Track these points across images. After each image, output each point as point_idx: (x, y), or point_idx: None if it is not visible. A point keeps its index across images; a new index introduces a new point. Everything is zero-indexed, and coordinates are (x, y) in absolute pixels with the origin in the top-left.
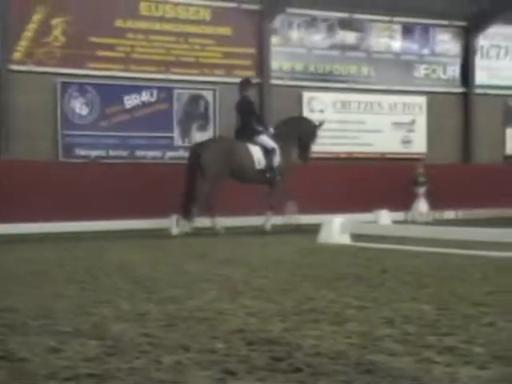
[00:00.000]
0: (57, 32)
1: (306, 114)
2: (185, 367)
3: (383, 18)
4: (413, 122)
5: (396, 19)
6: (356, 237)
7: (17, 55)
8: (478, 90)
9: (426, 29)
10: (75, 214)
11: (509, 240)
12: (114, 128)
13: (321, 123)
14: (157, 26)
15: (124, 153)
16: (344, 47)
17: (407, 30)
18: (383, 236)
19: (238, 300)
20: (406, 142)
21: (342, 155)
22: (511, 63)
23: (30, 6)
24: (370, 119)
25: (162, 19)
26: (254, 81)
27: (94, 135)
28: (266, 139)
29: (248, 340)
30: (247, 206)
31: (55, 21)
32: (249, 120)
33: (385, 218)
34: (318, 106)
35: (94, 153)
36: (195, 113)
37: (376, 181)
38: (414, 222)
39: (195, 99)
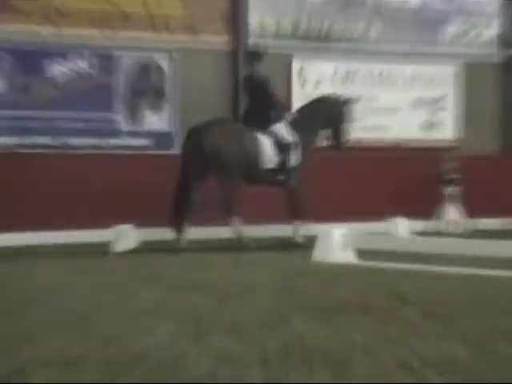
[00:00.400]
0: None
1: (296, 87)
2: None
3: None
4: (440, 99)
5: None
6: (363, 253)
7: None
8: None
9: None
10: None
11: None
12: (35, 107)
13: (351, 99)
14: None
15: (50, 140)
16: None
17: None
18: (399, 252)
19: (205, 338)
20: (431, 125)
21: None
22: None
23: None
24: (383, 95)
25: None
26: (267, 49)
27: (8, 116)
28: (281, 130)
29: None
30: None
31: None
32: (261, 102)
33: (402, 227)
34: (313, 76)
35: (8, 140)
36: (146, 87)
37: (390, 178)
38: (440, 234)
39: (146, 69)
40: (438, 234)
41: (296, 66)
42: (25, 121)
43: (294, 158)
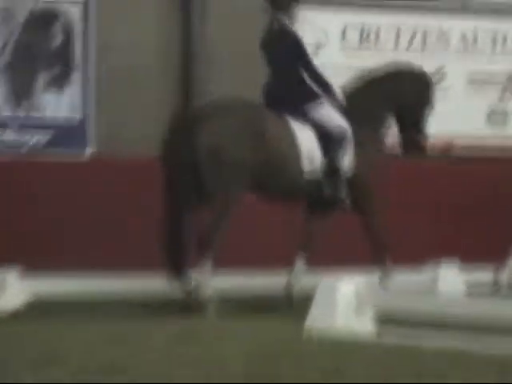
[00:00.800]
0: None
1: None
2: None
3: None
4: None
5: None
6: (386, 321)
7: None
8: None
9: None
10: None
11: None
12: None
13: (437, 74)
14: None
15: None
16: None
17: None
18: (444, 320)
19: None
20: (503, 116)
21: None
22: None
23: None
24: (426, 65)
25: None
26: None
27: None
28: (328, 114)
29: None
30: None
31: None
32: (293, 72)
33: (451, 279)
34: (311, 35)
35: None
36: (43, 50)
37: (436, 200)
38: None
39: (43, 21)
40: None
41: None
42: None
43: (349, 160)
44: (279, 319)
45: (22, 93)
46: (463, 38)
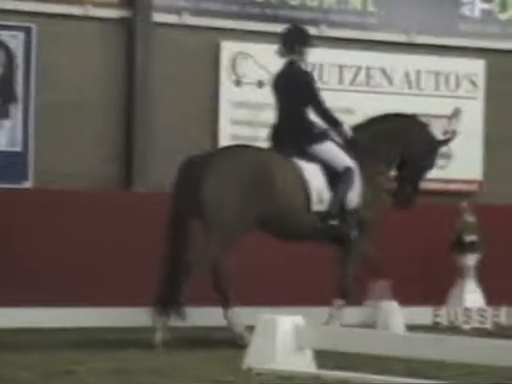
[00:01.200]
0: None
1: (226, 85)
2: None
3: None
4: (456, 115)
5: None
6: (328, 357)
7: None
8: None
9: None
10: None
11: None
12: None
13: (448, 138)
14: None
15: None
16: None
17: None
18: (387, 357)
19: None
20: (441, 157)
21: None
22: None
23: None
24: (366, 106)
25: None
26: (309, 32)
27: None
28: (334, 151)
29: None
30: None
31: None
32: (302, 110)
33: (393, 317)
34: (255, 72)
35: None
36: None
37: (376, 238)
38: (454, 328)
39: None
40: (451, 327)
41: (227, 53)
42: None
43: (356, 196)
44: (217, 357)
45: None
46: (409, 76)
